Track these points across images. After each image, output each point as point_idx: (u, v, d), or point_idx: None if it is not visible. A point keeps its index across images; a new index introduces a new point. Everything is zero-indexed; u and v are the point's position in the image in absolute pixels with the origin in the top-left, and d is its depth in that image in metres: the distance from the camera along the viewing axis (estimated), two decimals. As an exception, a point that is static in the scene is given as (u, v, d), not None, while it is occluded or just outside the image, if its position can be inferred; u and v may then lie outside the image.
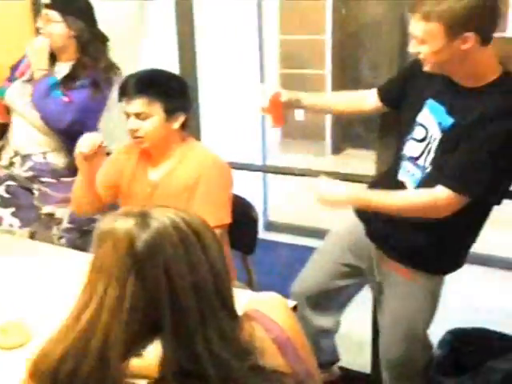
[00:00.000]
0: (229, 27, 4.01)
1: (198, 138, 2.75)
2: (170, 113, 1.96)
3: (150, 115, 1.94)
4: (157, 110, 1.94)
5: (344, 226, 2.13)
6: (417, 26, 1.60)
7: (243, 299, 1.11)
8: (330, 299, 2.17)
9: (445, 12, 1.53)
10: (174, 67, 2.55)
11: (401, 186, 1.83)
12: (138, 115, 1.94)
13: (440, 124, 1.71)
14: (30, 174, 2.53)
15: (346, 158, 6.48)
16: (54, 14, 2.41)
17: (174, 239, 0.93)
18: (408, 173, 1.81)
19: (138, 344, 0.96)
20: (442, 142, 1.70)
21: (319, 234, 4.13)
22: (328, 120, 6.65)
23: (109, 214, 0.99)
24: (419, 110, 1.79)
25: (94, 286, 0.93)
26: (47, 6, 2.44)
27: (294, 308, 1.73)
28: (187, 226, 0.95)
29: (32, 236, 2.54)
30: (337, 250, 2.12)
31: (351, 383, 2.46)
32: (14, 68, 2.56)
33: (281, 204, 4.61)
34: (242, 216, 2.32)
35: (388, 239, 1.89)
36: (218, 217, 1.97)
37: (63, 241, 2.55)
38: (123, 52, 2.74)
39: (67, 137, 2.40)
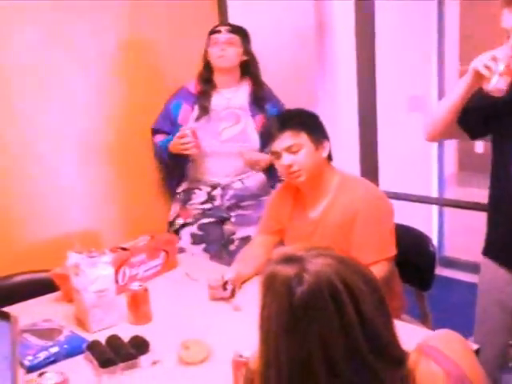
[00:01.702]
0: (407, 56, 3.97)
1: (374, 168, 2.74)
2: (316, 141, 2.01)
3: (300, 146, 1.99)
4: (304, 140, 1.99)
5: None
6: None
7: (415, 335, 1.09)
8: None
9: None
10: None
11: None
12: (288, 149, 1.99)
13: None
14: (233, 201, 2.67)
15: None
16: (236, 38, 2.60)
17: (327, 301, 0.94)
18: None
19: None
20: None
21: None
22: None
23: (271, 258, 1.03)
24: None
25: (266, 336, 0.99)
26: (230, 31, 2.61)
27: (476, 352, 1.63)
28: (343, 286, 0.95)
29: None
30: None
31: None
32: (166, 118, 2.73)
33: (459, 239, 4.39)
34: (418, 249, 2.25)
35: None
36: (380, 250, 1.94)
37: None
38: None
39: None
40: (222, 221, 2.71)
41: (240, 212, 2.68)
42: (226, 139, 2.63)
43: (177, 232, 2.72)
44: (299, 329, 0.95)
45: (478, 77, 1.65)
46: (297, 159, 2.00)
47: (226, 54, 2.59)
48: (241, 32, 2.64)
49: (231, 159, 2.64)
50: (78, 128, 2.64)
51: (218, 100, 2.66)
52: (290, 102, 2.59)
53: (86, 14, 2.59)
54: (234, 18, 3.04)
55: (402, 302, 2.17)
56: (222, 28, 2.64)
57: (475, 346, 1.61)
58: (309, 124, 2.04)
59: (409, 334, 1.05)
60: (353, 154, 2.79)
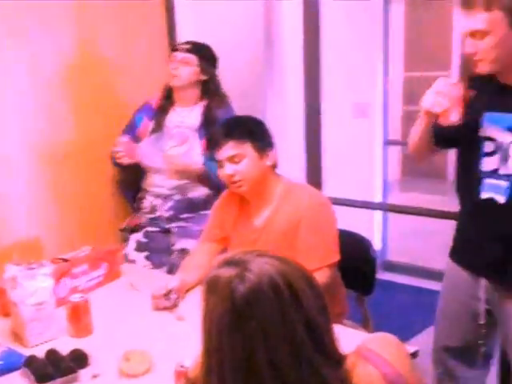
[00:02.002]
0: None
1: (318, 174, 2.78)
2: (260, 151, 2.01)
3: (242, 156, 1.99)
4: (248, 150, 1.99)
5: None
6: (478, 19, 1.59)
7: (356, 340, 1.11)
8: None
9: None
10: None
11: (489, 203, 1.75)
12: (231, 159, 1.99)
13: (509, 128, 1.68)
14: (172, 213, 2.65)
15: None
16: (192, 58, 2.58)
17: (269, 298, 0.95)
18: (492, 187, 1.75)
19: None
20: None
21: (439, 275, 4.02)
22: (450, 158, 6.44)
23: (214, 264, 1.03)
24: (478, 126, 1.75)
25: (208, 337, 0.99)
26: (187, 50, 2.60)
27: (414, 354, 1.67)
28: (285, 285, 0.97)
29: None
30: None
31: None
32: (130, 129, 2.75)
33: (400, 244, 4.49)
34: (360, 254, 2.29)
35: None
36: (323, 257, 1.97)
37: None
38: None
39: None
40: (166, 231, 2.69)
41: (180, 224, 2.66)
42: (170, 157, 2.60)
43: (126, 238, 2.73)
44: (242, 327, 0.95)
45: (432, 115, 1.71)
46: (238, 169, 2.00)
47: (179, 73, 2.58)
48: (200, 51, 2.62)
49: (174, 176, 2.63)
50: (21, 132, 2.56)
51: (172, 117, 2.66)
52: (238, 105, 2.61)
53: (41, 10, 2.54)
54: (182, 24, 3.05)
55: (345, 308, 2.20)
56: (181, 46, 2.64)
57: (413, 349, 1.65)
58: (254, 132, 2.04)
59: (349, 338, 1.07)
60: (300, 159, 2.82)
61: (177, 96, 2.67)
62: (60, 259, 2.16)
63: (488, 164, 1.76)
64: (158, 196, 2.67)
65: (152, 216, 2.69)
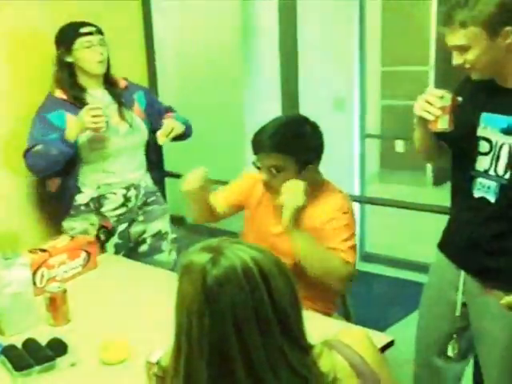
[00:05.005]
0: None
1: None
2: (302, 166, 1.95)
3: (283, 169, 1.93)
4: (290, 165, 1.93)
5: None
6: (456, 36, 1.62)
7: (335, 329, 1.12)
8: None
9: (480, 14, 1.57)
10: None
11: (482, 202, 1.78)
12: (270, 167, 1.94)
13: (503, 129, 1.70)
14: (143, 200, 2.64)
15: (448, 190, 6.26)
16: (103, 38, 2.46)
17: (241, 282, 0.97)
18: (483, 187, 1.78)
19: None
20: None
21: (416, 266, 4.08)
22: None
23: (189, 249, 1.04)
24: (476, 125, 1.77)
25: (179, 320, 1.00)
26: (99, 32, 2.46)
27: (390, 344, 1.69)
28: (257, 269, 0.98)
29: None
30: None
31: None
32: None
33: (378, 235, 4.53)
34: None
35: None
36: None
37: (174, 253, 2.72)
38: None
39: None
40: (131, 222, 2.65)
41: (146, 209, 2.65)
42: (124, 134, 2.53)
43: (102, 245, 2.56)
44: (212, 308, 0.95)
45: (424, 121, 1.74)
46: (276, 178, 1.94)
47: (104, 58, 2.46)
48: (101, 30, 2.48)
49: (136, 153, 2.61)
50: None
51: (94, 102, 2.45)
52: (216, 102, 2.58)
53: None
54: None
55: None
56: (90, 29, 2.44)
57: (389, 339, 1.67)
58: (302, 149, 1.96)
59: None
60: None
61: (89, 81, 2.50)
62: (38, 249, 2.15)
63: (481, 163, 1.77)
64: (128, 186, 2.58)
65: (123, 211, 2.58)
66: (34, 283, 2.01)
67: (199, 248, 1.02)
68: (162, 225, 2.71)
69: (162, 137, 2.43)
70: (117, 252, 2.59)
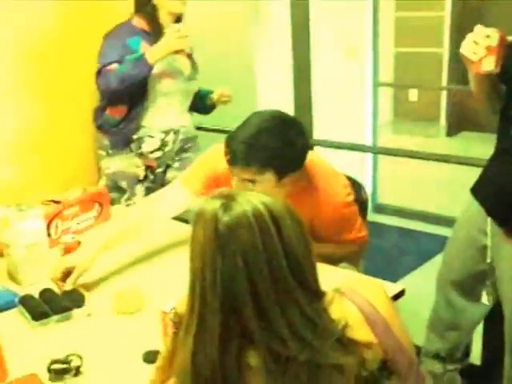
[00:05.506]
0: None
1: (309, 116, 2.77)
2: (281, 176, 1.73)
3: (260, 181, 1.70)
4: (268, 176, 1.70)
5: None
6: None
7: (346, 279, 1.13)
8: None
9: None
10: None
11: None
12: (245, 180, 1.72)
13: None
14: (180, 145, 2.70)
15: (461, 141, 6.21)
16: None
17: (252, 226, 0.97)
18: None
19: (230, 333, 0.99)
20: None
21: (428, 217, 4.07)
22: (443, 100, 6.39)
23: (203, 198, 1.05)
24: None
25: (193, 267, 1.00)
26: None
27: (402, 293, 1.70)
28: (268, 213, 0.99)
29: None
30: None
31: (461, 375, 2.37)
32: None
33: (391, 186, 4.52)
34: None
35: None
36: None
37: None
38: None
39: None
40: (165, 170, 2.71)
41: (182, 156, 2.71)
42: (187, 77, 2.64)
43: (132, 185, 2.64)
44: (223, 252, 0.96)
45: (470, 61, 1.66)
46: (253, 188, 1.72)
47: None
48: None
49: (189, 98, 2.70)
50: None
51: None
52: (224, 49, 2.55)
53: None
54: None
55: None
56: None
57: (400, 288, 1.69)
58: (282, 158, 1.70)
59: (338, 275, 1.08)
60: (289, 102, 2.80)
61: (167, 20, 2.55)
62: (51, 201, 2.17)
63: None
64: (168, 131, 2.65)
65: (159, 154, 2.67)
66: (49, 234, 2.03)
67: (211, 196, 1.03)
68: None
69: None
70: (147, 194, 2.62)
